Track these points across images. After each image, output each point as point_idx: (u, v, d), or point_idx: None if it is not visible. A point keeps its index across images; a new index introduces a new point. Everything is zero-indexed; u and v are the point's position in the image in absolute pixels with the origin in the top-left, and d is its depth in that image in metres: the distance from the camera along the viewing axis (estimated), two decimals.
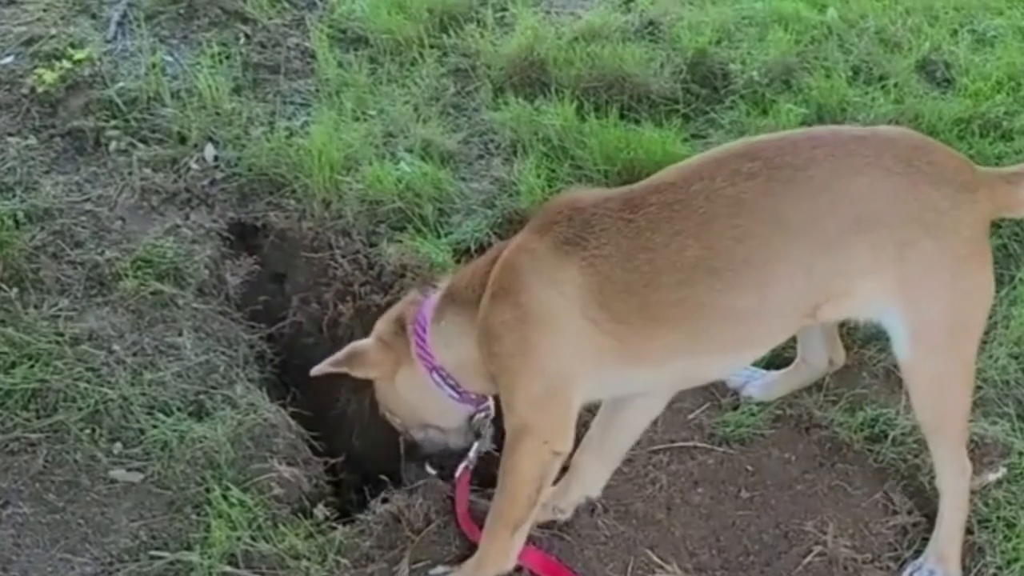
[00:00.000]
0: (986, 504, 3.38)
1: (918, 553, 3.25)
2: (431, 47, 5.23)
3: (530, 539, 3.18)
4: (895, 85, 5.10)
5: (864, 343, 3.84)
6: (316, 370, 3.26)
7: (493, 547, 3.09)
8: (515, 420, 3.01)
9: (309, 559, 3.13)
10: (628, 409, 3.30)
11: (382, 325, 3.28)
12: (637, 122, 4.77)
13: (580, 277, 2.89)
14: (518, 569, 3.15)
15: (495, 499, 3.09)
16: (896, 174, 2.94)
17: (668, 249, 2.88)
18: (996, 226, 4.33)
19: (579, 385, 3.00)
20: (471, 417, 3.30)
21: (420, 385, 3.21)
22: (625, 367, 3.01)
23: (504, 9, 5.55)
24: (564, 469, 3.23)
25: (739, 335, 3.03)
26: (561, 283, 2.91)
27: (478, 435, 3.31)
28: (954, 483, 3.22)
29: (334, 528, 3.27)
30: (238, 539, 3.15)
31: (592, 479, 3.34)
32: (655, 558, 3.21)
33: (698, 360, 3.09)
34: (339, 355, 3.24)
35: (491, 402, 3.28)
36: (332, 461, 3.62)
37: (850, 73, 5.19)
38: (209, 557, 3.11)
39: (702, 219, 2.88)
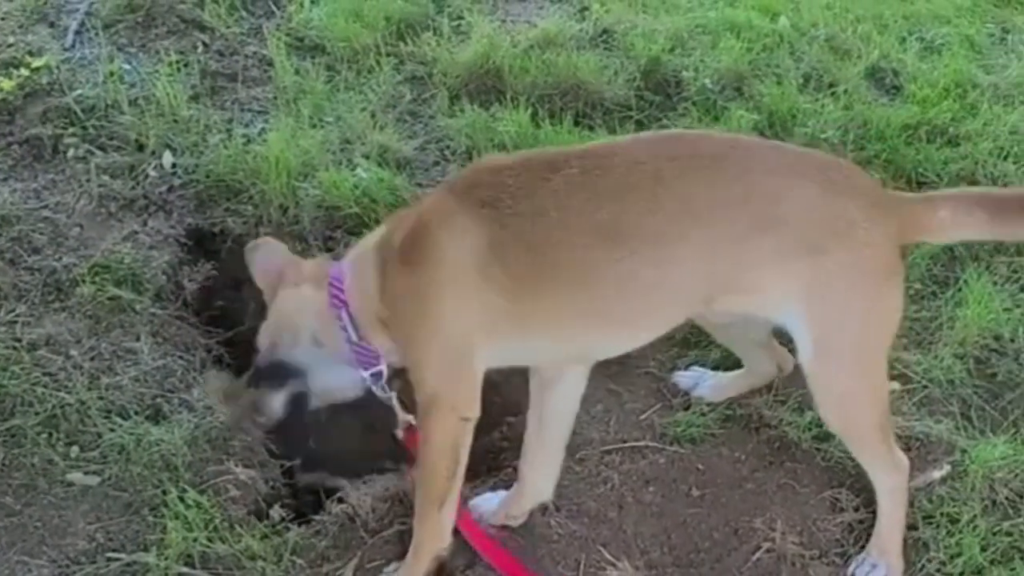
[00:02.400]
0: (930, 501, 3.43)
1: (864, 548, 3.29)
2: (388, 55, 5.26)
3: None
4: (844, 92, 5.16)
5: None
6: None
7: (424, 529, 3.09)
8: (421, 390, 3.01)
9: (265, 559, 3.14)
10: (552, 400, 3.31)
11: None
12: (591, 128, 4.82)
13: (488, 235, 2.90)
14: (471, 565, 3.17)
15: (417, 482, 3.10)
16: (810, 180, 3.00)
17: (579, 211, 2.90)
18: None
19: (479, 349, 2.99)
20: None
21: (321, 315, 3.15)
22: (524, 332, 3.01)
23: (460, 18, 5.60)
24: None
25: (630, 310, 3.03)
26: (468, 244, 2.91)
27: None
28: (886, 480, 3.26)
29: (290, 529, 3.28)
30: (194, 540, 3.16)
31: (542, 485, 3.36)
32: (607, 555, 3.23)
33: (587, 330, 3.08)
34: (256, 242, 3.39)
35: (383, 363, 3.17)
36: (289, 463, 3.61)
37: (801, 80, 5.26)
38: (165, 558, 3.12)
39: (617, 187, 2.92)
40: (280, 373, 3.21)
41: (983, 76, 5.46)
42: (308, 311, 3.17)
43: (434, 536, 3.11)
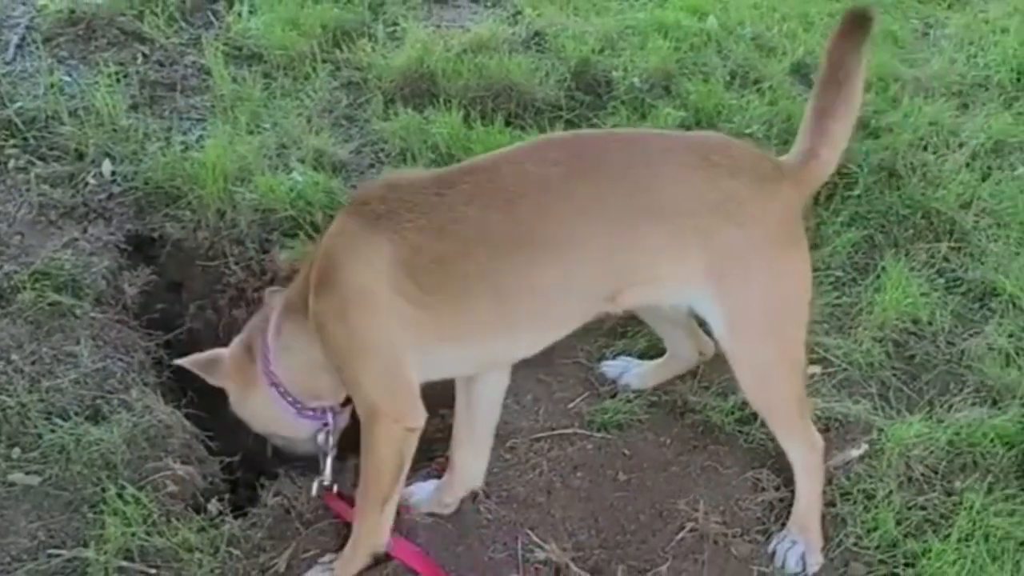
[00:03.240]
0: (848, 478, 3.51)
1: (784, 526, 3.37)
2: (324, 61, 5.34)
3: (408, 531, 3.29)
4: (770, 88, 5.27)
5: None
6: (180, 361, 3.38)
7: (364, 527, 3.16)
8: (363, 406, 3.09)
9: (201, 551, 3.19)
10: (477, 391, 3.39)
11: (237, 341, 3.38)
12: (523, 129, 4.89)
13: (392, 252, 2.96)
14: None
15: (361, 481, 3.16)
16: (691, 167, 3.08)
17: (477, 224, 2.98)
18: (864, 218, 4.51)
19: (409, 361, 3.06)
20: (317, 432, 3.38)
21: (265, 401, 3.30)
22: (442, 343, 3.08)
23: (395, 24, 5.68)
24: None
25: (540, 313, 3.12)
26: (374, 259, 2.97)
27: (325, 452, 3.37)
28: (803, 458, 3.35)
29: (227, 522, 3.33)
30: (133, 535, 3.21)
31: (472, 472, 3.43)
32: (536, 539, 3.29)
33: (498, 336, 3.16)
34: (202, 357, 3.34)
35: (330, 417, 3.35)
36: (227, 460, 3.67)
37: (727, 78, 5.36)
38: (104, 553, 3.16)
39: (509, 197, 2.99)
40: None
41: (905, 70, 5.58)
42: (271, 411, 3.35)
43: (373, 534, 3.18)
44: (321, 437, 3.35)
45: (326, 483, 3.36)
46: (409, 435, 3.10)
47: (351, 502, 3.27)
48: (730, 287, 3.11)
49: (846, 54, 3.19)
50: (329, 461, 3.36)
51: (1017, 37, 5.74)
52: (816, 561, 3.31)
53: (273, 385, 3.25)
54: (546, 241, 2.99)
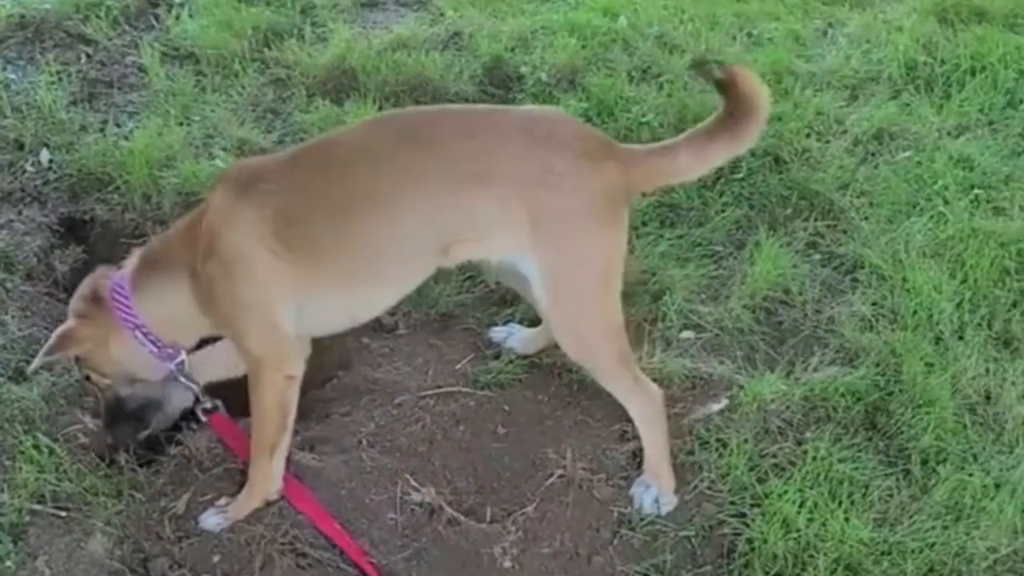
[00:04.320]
0: (707, 430, 3.74)
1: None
2: (253, 60, 5.57)
3: (295, 474, 3.50)
4: (669, 82, 5.48)
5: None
6: (32, 367, 3.54)
7: (257, 475, 3.40)
8: (248, 359, 3.36)
9: (107, 495, 3.41)
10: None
11: (76, 304, 3.54)
12: None
13: (258, 216, 3.25)
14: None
15: (251, 431, 3.41)
16: (513, 139, 3.31)
17: (320, 190, 3.30)
18: (746, 199, 4.73)
19: (284, 314, 3.33)
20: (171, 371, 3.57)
21: (127, 346, 3.48)
22: (311, 297, 3.36)
23: (324, 25, 5.90)
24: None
25: (381, 269, 3.39)
26: (244, 224, 3.26)
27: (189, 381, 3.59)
28: (640, 410, 3.56)
29: (134, 471, 3.54)
30: (45, 481, 3.42)
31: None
32: (414, 483, 3.51)
33: (357, 291, 3.44)
34: (50, 344, 3.47)
35: (183, 353, 3.55)
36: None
37: (631, 73, 5.57)
38: (19, 497, 3.37)
39: (345, 165, 3.31)
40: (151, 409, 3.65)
41: (802, 65, 5.80)
42: (133, 354, 3.51)
43: (265, 482, 3.42)
44: (182, 372, 3.55)
45: (207, 405, 3.62)
46: (290, 383, 3.37)
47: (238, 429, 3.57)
48: (545, 252, 3.31)
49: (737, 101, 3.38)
50: (197, 388, 3.60)
51: (911, 35, 5.92)
52: (668, 502, 3.53)
53: (136, 328, 3.45)
54: (377, 201, 3.27)
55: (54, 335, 3.46)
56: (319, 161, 3.37)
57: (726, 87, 3.38)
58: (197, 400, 3.63)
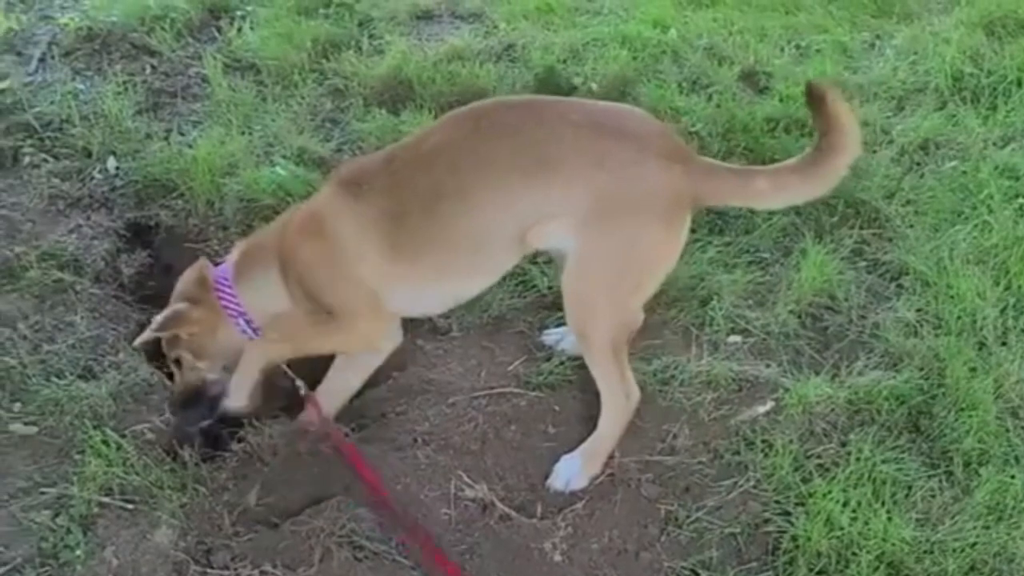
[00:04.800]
0: (753, 430, 3.79)
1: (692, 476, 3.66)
2: (312, 71, 5.70)
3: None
4: (718, 92, 5.54)
5: (669, 305, 4.27)
6: (139, 340, 3.74)
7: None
8: (343, 328, 3.65)
9: (172, 488, 3.51)
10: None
11: (187, 288, 3.76)
12: None
13: (362, 209, 3.50)
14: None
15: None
16: (582, 128, 3.43)
17: (411, 187, 3.49)
18: (791, 206, 4.76)
19: (382, 298, 3.60)
20: None
21: (232, 332, 3.72)
22: (404, 286, 3.61)
23: (380, 37, 6.02)
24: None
25: (469, 260, 3.59)
26: (350, 216, 3.52)
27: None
28: (613, 402, 3.64)
29: (197, 465, 3.64)
30: (113, 474, 3.51)
31: None
32: (467, 480, 3.58)
33: (446, 282, 3.65)
34: (161, 320, 3.67)
35: None
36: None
37: (680, 83, 5.64)
38: (88, 490, 3.47)
39: (431, 161, 3.49)
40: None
41: (850, 76, 5.86)
42: (234, 342, 3.74)
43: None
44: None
45: (302, 389, 3.79)
46: (375, 353, 3.75)
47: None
48: (589, 232, 3.41)
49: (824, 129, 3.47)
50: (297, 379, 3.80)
51: (958, 47, 5.96)
52: (580, 484, 3.60)
53: (239, 315, 3.69)
54: (461, 193, 3.44)
55: (165, 313, 3.68)
56: (409, 160, 3.54)
57: (814, 104, 3.47)
58: (295, 386, 3.79)
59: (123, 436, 3.66)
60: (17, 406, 3.78)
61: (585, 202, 3.38)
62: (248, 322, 3.71)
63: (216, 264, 3.85)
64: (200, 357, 3.75)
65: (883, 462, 3.66)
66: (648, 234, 3.44)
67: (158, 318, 3.68)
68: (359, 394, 3.91)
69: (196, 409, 3.79)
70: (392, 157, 3.59)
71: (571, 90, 5.57)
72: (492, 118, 3.54)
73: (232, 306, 3.69)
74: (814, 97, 3.45)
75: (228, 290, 3.70)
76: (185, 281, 3.78)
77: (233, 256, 3.79)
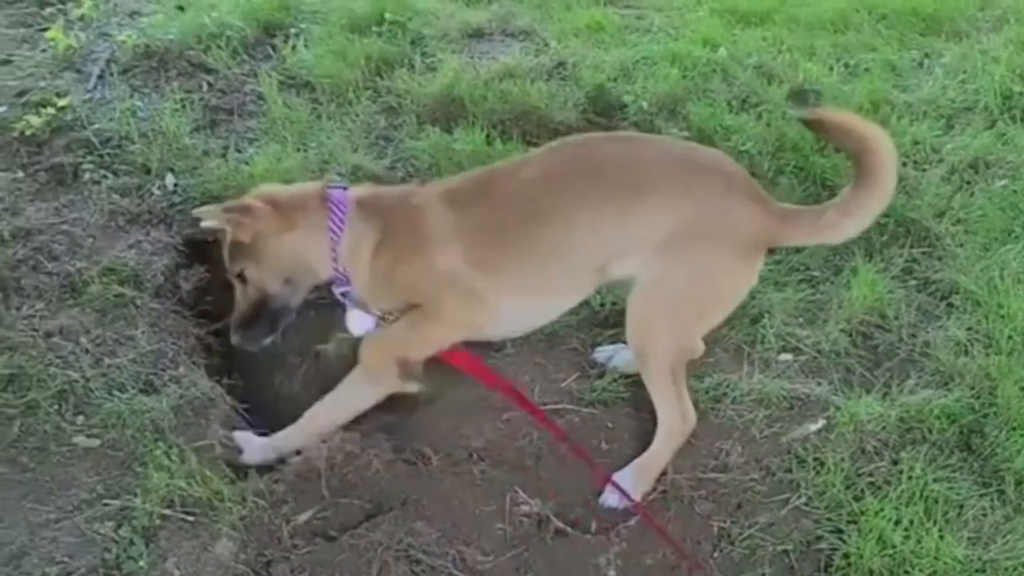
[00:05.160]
0: (804, 448, 3.81)
1: (745, 493, 3.68)
2: (366, 88, 5.74)
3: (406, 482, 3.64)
4: (767, 111, 5.56)
5: (720, 323, 4.24)
6: (201, 211, 3.83)
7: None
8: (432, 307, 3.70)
9: (232, 501, 3.55)
10: None
11: (282, 194, 3.79)
12: (538, 146, 5.18)
13: (456, 222, 3.59)
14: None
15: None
16: (674, 161, 3.58)
17: (508, 206, 3.59)
18: None
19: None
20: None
21: (312, 246, 3.72)
22: (500, 299, 3.66)
23: (433, 55, 6.06)
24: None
25: (550, 281, 3.67)
26: (444, 224, 3.60)
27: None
28: (669, 422, 3.70)
29: (257, 478, 3.68)
30: (175, 487, 3.56)
31: None
32: (522, 495, 3.62)
33: (525, 301, 3.71)
34: (231, 204, 3.75)
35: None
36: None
37: (730, 102, 5.66)
38: (150, 502, 3.52)
39: (526, 189, 3.59)
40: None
41: (899, 95, 5.86)
42: (313, 258, 3.76)
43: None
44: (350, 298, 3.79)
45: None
46: (473, 320, 3.72)
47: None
48: (664, 257, 3.49)
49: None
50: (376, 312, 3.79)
51: (1007, 65, 5.97)
52: (625, 503, 3.62)
53: (338, 236, 3.69)
54: (551, 218, 3.54)
55: (239, 201, 3.76)
56: (507, 183, 3.63)
57: (815, 128, 3.66)
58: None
59: (184, 449, 3.71)
60: (80, 419, 3.84)
61: (668, 228, 3.48)
62: (336, 247, 3.70)
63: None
64: (263, 265, 3.75)
65: (935, 481, 3.68)
66: (723, 265, 3.54)
67: (230, 202, 3.77)
68: (412, 410, 3.93)
69: (259, 327, 3.85)
70: (490, 180, 3.70)
71: (621, 108, 5.61)
72: (589, 147, 3.68)
73: (337, 227, 3.68)
74: (817, 126, 3.73)
75: (340, 211, 3.69)
76: (288, 189, 3.87)
77: (358, 193, 3.80)
